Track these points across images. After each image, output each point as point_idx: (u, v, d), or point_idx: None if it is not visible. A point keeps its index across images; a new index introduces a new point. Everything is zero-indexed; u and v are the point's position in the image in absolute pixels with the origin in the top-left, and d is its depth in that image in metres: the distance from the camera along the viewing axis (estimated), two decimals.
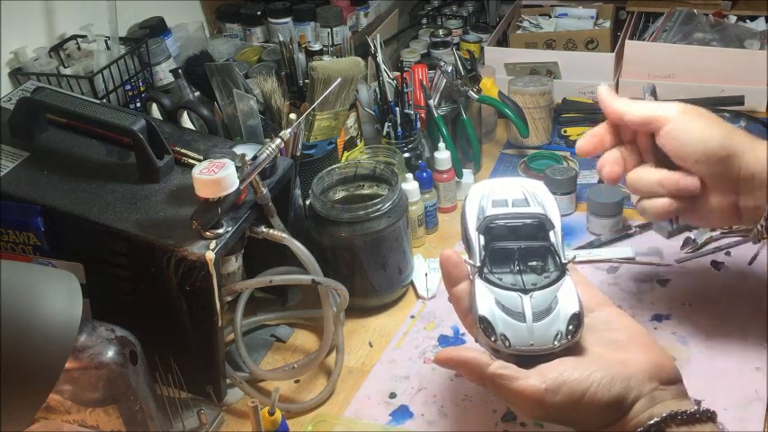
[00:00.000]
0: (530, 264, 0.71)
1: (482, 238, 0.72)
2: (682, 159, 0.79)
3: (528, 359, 0.66)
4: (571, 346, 0.66)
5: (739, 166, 0.77)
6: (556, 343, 0.66)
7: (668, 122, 0.78)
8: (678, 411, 0.63)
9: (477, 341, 0.71)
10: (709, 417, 0.64)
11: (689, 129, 0.78)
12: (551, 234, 0.71)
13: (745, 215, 0.80)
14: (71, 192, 0.86)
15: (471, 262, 0.72)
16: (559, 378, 0.64)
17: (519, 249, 0.71)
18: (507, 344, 0.66)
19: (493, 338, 0.67)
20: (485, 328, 0.67)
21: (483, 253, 0.71)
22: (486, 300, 0.68)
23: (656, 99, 0.85)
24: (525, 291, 0.68)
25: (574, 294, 0.68)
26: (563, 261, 0.70)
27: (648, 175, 0.82)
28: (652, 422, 0.62)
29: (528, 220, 0.72)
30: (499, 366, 0.66)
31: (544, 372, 0.65)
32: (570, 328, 0.66)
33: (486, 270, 0.71)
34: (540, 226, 0.72)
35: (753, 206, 0.78)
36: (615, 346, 0.67)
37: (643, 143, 0.84)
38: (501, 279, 0.70)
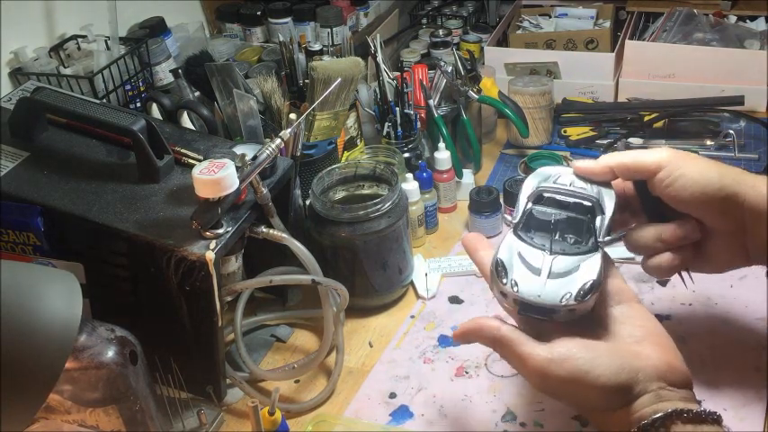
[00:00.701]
0: (566, 235, 0.72)
1: (530, 204, 0.74)
2: (681, 205, 0.75)
3: (531, 309, 0.68)
4: (577, 311, 0.67)
5: (743, 205, 0.74)
6: (563, 302, 0.67)
7: (662, 168, 0.74)
8: (685, 409, 0.63)
9: (491, 289, 0.73)
10: (716, 419, 0.64)
11: (685, 173, 0.74)
12: (598, 219, 0.73)
13: (753, 254, 0.77)
14: (71, 192, 0.86)
15: (510, 219, 0.74)
16: (566, 353, 0.66)
17: (557, 216, 0.73)
18: (516, 289, 0.68)
19: (504, 281, 0.69)
20: (498, 270, 0.69)
21: (524, 213, 0.74)
22: (509, 249, 0.71)
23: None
24: (551, 252, 0.70)
25: (597, 267, 0.69)
26: (599, 240, 0.71)
27: (645, 232, 0.79)
28: (657, 416, 0.62)
29: (578, 200, 0.73)
30: (509, 330, 0.69)
31: (553, 344, 0.67)
32: (581, 292, 0.67)
33: (520, 228, 0.73)
34: (590, 209, 0.73)
35: (761, 244, 0.75)
36: (631, 339, 0.68)
37: (632, 199, 0.81)
38: (532, 239, 0.72)
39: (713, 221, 0.76)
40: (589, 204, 0.73)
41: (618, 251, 1.07)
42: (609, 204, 0.74)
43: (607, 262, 0.73)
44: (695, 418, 0.63)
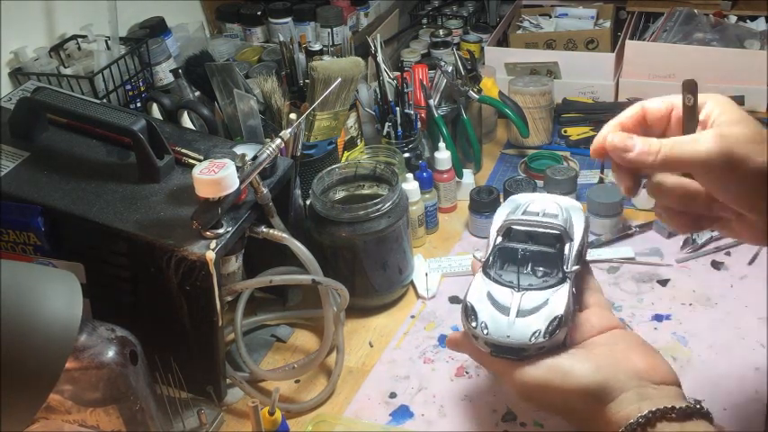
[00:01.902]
0: (535, 268, 0.73)
1: (499, 238, 0.75)
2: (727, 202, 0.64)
3: (502, 350, 0.68)
4: (547, 347, 0.68)
5: None
6: (532, 340, 0.67)
7: (707, 171, 0.62)
8: (669, 406, 0.62)
9: (464, 328, 0.73)
10: (704, 415, 0.63)
11: (730, 183, 0.62)
12: (567, 246, 0.73)
13: None
14: (71, 192, 0.86)
15: (479, 257, 0.74)
16: (545, 358, 0.67)
17: (524, 251, 0.73)
18: (486, 332, 0.69)
19: (474, 324, 0.69)
20: (468, 314, 0.70)
21: (492, 250, 0.74)
22: (479, 291, 0.71)
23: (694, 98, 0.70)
24: (519, 289, 0.71)
25: (564, 300, 0.69)
26: (566, 270, 0.71)
27: (671, 186, 0.66)
28: (642, 414, 0.62)
29: (546, 230, 0.73)
30: None
31: (530, 355, 0.68)
32: (549, 328, 0.67)
33: (489, 266, 0.73)
34: (558, 237, 0.73)
35: None
36: (615, 350, 0.68)
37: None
38: (501, 276, 0.72)
39: (754, 213, 0.65)
40: (557, 233, 0.73)
41: (617, 251, 1.08)
42: (578, 230, 0.74)
43: (595, 293, 0.74)
44: (681, 415, 0.63)
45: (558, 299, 0.69)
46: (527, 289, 0.70)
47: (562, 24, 1.59)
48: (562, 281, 0.71)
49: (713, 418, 0.64)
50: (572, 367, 0.65)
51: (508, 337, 0.68)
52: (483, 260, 0.74)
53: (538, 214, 0.75)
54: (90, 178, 0.88)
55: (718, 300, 0.98)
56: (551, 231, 0.73)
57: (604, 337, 0.70)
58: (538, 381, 0.66)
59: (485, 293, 0.71)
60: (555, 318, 0.68)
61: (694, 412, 0.63)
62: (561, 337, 0.68)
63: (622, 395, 0.64)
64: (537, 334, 0.67)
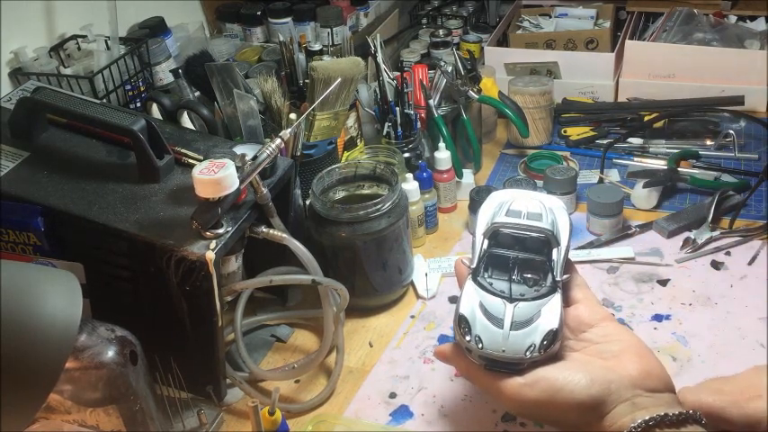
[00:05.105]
0: (525, 275, 0.72)
1: (486, 242, 0.73)
2: None
3: (497, 364, 0.68)
4: (542, 360, 0.67)
5: None
6: (527, 354, 0.66)
7: None
8: (662, 414, 0.62)
9: (455, 339, 0.72)
10: (696, 420, 0.64)
11: None
12: (554, 251, 0.72)
13: None
14: (71, 192, 0.86)
15: (467, 263, 0.72)
16: (538, 373, 0.66)
17: (515, 259, 0.72)
18: (480, 345, 0.67)
19: (468, 338, 0.68)
20: (462, 326, 0.69)
21: (481, 257, 0.72)
22: (471, 301, 0.70)
23: None
24: (511, 299, 0.70)
25: (558, 312, 0.68)
26: (557, 279, 0.70)
27: None
28: (635, 424, 0.62)
29: (534, 234, 0.72)
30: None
31: (526, 370, 0.67)
32: (544, 342, 0.67)
33: (479, 273, 0.72)
34: (546, 241, 0.72)
35: None
36: (607, 355, 0.68)
37: None
38: (491, 284, 0.71)
39: None
40: (544, 237, 0.72)
41: (617, 251, 1.08)
42: (564, 233, 0.73)
43: (581, 288, 0.73)
44: (675, 422, 0.63)
45: (550, 310, 0.68)
46: (519, 300, 0.69)
47: (562, 24, 1.59)
48: (553, 290, 0.70)
49: (707, 423, 0.64)
50: (566, 382, 0.65)
51: (503, 351, 0.67)
52: (472, 266, 0.72)
53: (521, 213, 0.73)
54: (90, 178, 0.88)
55: (718, 300, 0.98)
56: (539, 236, 0.72)
57: (597, 332, 0.70)
58: (532, 398, 0.66)
59: (477, 304, 0.69)
60: (550, 331, 0.67)
61: (687, 418, 0.63)
62: (556, 349, 0.68)
63: (617, 407, 0.64)
64: (532, 348, 0.66)
